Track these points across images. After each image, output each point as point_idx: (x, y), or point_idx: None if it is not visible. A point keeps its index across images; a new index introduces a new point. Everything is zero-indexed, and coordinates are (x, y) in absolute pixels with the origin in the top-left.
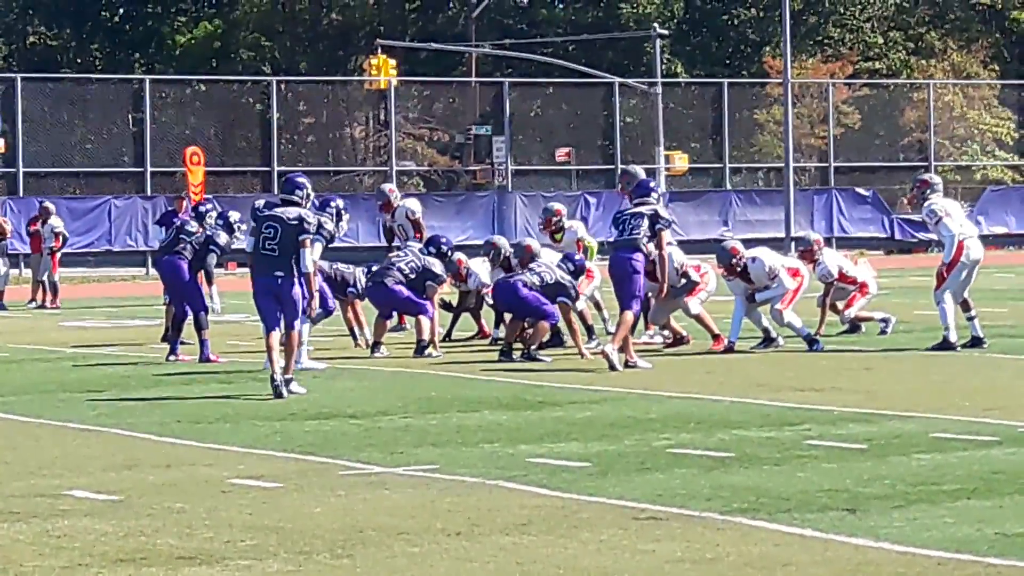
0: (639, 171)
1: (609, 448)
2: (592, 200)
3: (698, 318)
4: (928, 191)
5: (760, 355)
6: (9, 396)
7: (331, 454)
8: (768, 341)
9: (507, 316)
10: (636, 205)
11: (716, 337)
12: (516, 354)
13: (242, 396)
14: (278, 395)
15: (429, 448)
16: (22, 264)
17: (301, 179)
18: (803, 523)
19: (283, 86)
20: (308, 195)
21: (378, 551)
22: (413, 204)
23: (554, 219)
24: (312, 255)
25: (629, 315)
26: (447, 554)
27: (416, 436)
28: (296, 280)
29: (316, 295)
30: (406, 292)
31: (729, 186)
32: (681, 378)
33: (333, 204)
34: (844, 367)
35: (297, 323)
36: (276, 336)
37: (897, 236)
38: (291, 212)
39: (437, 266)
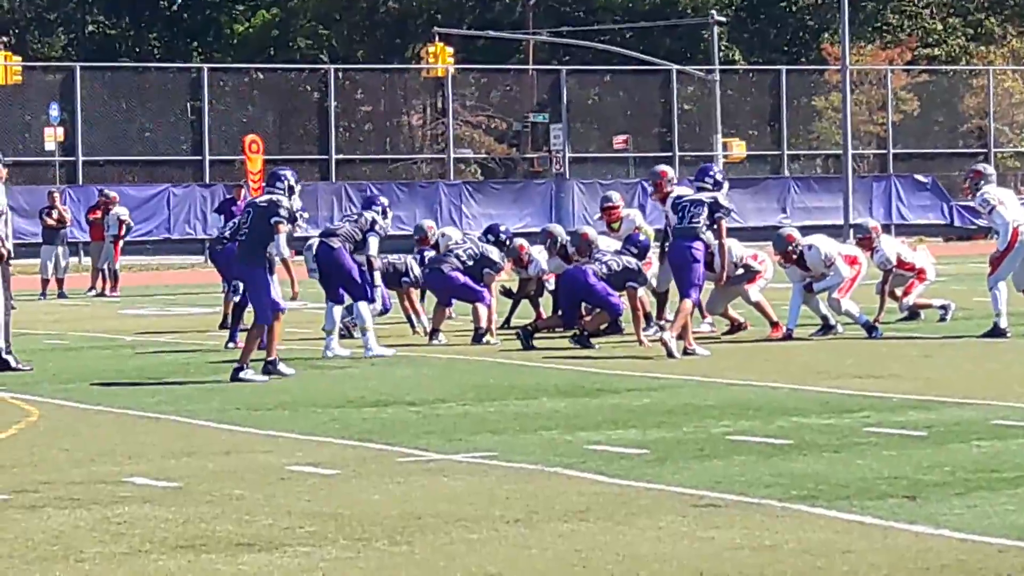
0: (667, 168)
1: (667, 435)
2: (650, 188)
3: (758, 305)
4: (981, 181)
5: (818, 342)
6: (69, 384)
7: (389, 441)
8: (826, 328)
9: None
10: (696, 192)
11: (775, 325)
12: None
13: (300, 383)
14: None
15: (487, 435)
16: (81, 252)
17: (284, 171)
18: (863, 510)
19: (341, 74)
20: (290, 187)
21: (436, 538)
22: (453, 233)
23: (616, 209)
24: (372, 249)
25: (688, 303)
26: (505, 541)
27: (474, 423)
28: (263, 269)
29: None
30: (463, 279)
31: (787, 173)
32: (739, 365)
33: (379, 201)
34: (903, 354)
35: (268, 318)
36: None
37: (956, 223)
38: (264, 198)
39: (495, 254)
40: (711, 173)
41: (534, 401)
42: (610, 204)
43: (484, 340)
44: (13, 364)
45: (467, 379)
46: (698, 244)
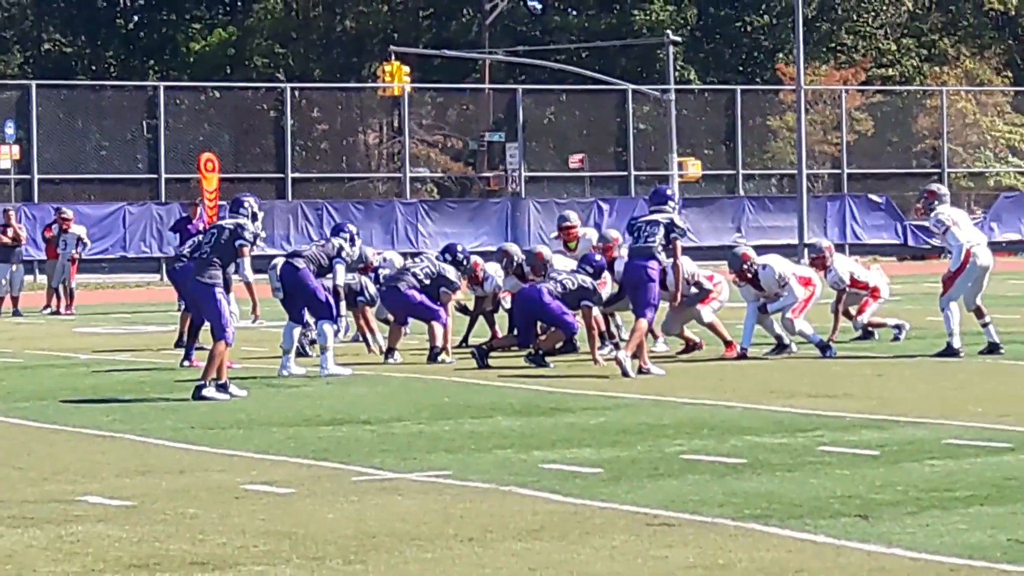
0: (618, 236)
1: (622, 454)
2: (605, 206)
3: (711, 326)
4: (935, 202)
5: (773, 361)
6: (23, 402)
7: (344, 460)
8: (781, 347)
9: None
10: (652, 212)
11: (728, 344)
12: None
13: (256, 402)
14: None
15: (442, 454)
16: (36, 270)
17: (247, 198)
18: (816, 529)
19: (297, 93)
20: (253, 213)
21: (390, 557)
22: (394, 257)
23: (573, 229)
24: (339, 278)
25: (643, 322)
26: (460, 560)
27: (429, 442)
28: (218, 289)
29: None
30: (419, 297)
31: (742, 192)
32: (694, 384)
33: (347, 228)
34: (857, 373)
35: (227, 335)
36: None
37: (910, 243)
38: (230, 221)
39: (452, 273)
40: (671, 197)
41: (489, 420)
42: (567, 224)
43: (439, 359)
44: None
45: (422, 398)
46: (653, 263)
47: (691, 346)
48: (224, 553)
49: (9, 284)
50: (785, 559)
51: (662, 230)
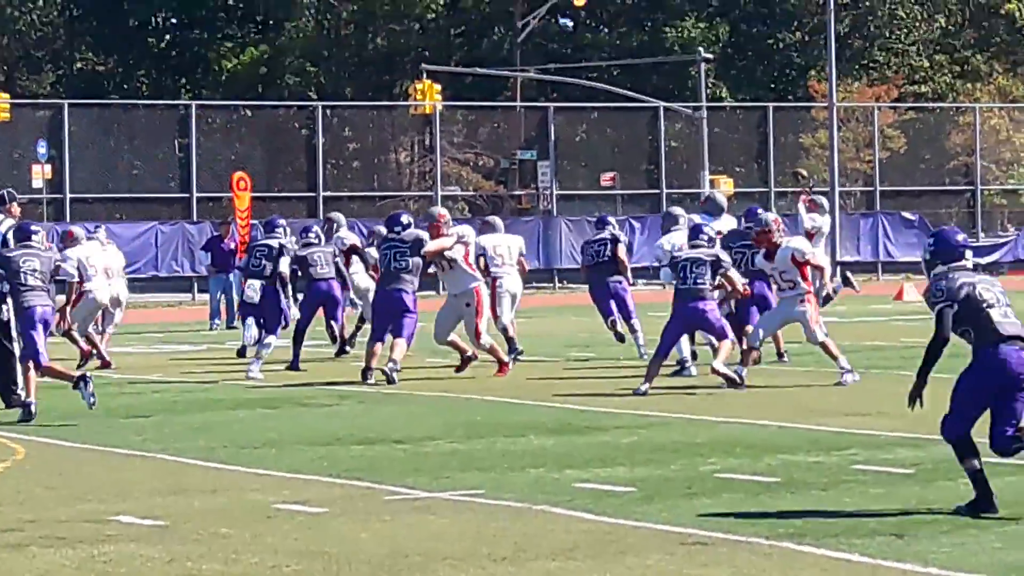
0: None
1: (655, 473)
2: (637, 224)
3: (491, 350)
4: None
5: (806, 380)
6: (56, 421)
7: (376, 479)
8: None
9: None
10: (692, 247)
11: (502, 365)
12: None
13: (287, 421)
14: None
15: (475, 473)
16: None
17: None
18: (850, 548)
19: (329, 111)
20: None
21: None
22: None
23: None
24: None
25: (727, 342)
26: None
27: (462, 461)
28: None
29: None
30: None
31: (775, 210)
32: (727, 403)
33: (280, 223)
34: (890, 391)
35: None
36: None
37: None
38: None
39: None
40: (705, 231)
41: (522, 439)
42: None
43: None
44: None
45: (454, 417)
46: (708, 303)
47: (465, 360)
48: (257, 573)
49: None
50: None
51: (709, 269)
